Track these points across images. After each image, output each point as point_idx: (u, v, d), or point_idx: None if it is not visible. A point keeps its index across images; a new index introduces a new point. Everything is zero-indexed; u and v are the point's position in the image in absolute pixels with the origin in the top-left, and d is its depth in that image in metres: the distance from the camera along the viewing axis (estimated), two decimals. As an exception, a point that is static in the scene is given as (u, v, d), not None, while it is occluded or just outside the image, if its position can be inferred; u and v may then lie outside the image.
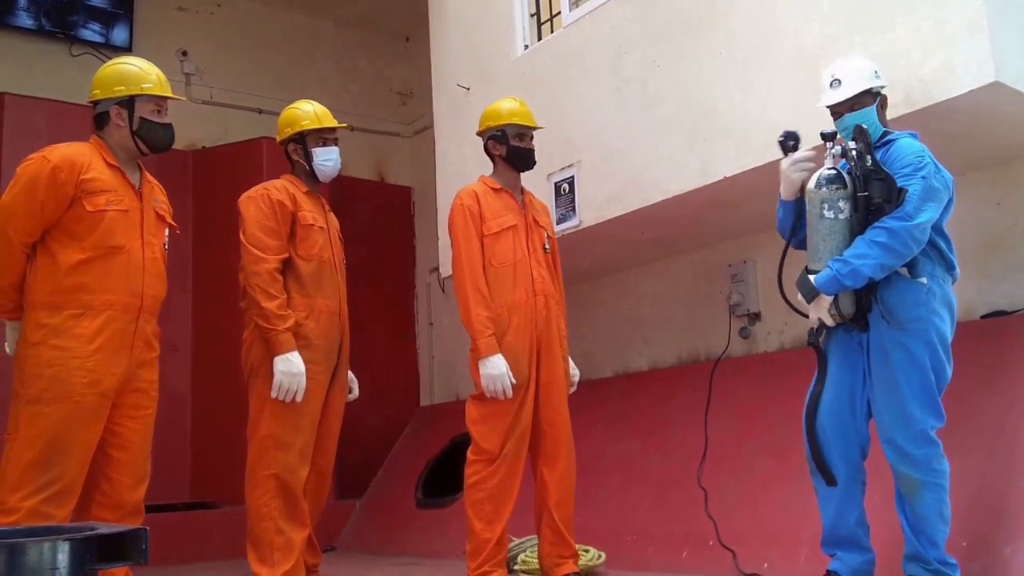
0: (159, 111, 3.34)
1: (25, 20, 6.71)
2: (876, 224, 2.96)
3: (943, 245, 3.10)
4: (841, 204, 2.99)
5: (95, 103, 3.33)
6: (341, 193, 7.38)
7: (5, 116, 5.98)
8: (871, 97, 3.18)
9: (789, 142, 3.24)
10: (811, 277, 3.04)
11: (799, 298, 3.14)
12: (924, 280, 3.01)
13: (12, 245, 3.12)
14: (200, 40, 7.52)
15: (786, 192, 3.25)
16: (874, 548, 3.15)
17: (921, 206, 2.95)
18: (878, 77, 3.20)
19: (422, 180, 7.89)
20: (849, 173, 3.01)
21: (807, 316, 3.19)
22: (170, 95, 3.38)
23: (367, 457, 7.17)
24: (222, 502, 6.22)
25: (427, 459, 6.57)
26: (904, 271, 3.01)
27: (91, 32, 6.95)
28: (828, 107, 3.23)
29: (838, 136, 3.11)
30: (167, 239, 3.43)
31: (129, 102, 3.29)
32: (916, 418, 2.96)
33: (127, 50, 7.01)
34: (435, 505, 6.08)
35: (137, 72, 3.33)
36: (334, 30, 8.26)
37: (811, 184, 3.06)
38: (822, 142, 3.13)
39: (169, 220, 3.46)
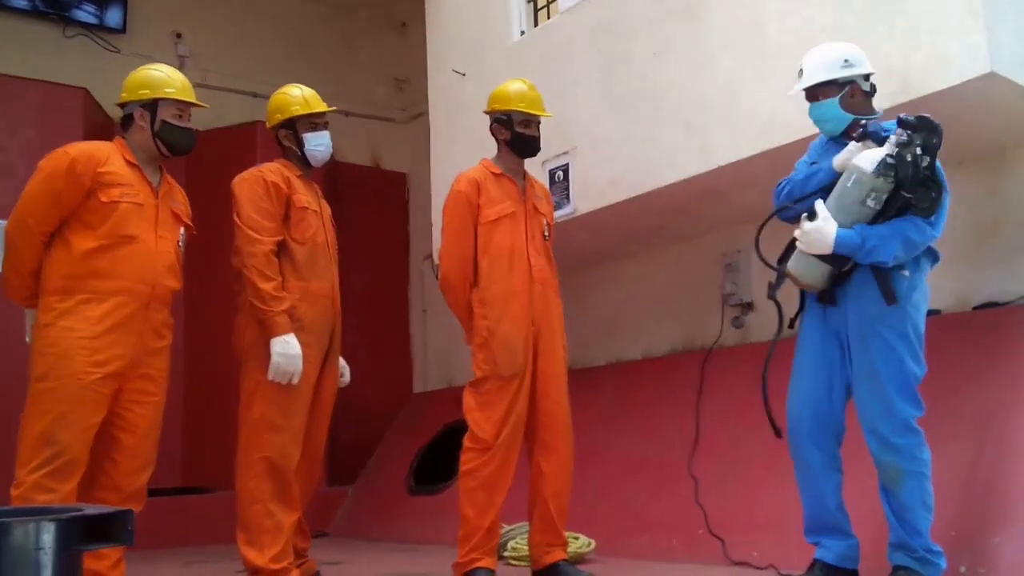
0: (181, 116, 3.48)
1: (19, 1, 6.69)
2: (910, 218, 2.92)
3: None
4: (884, 196, 2.93)
5: (122, 105, 3.48)
6: (336, 178, 7.37)
7: (-2, 97, 5.94)
8: (836, 88, 3.14)
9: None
10: (831, 229, 2.93)
11: (795, 265, 3.08)
12: (906, 272, 3.01)
13: (31, 233, 3.27)
14: (194, 23, 7.49)
15: (841, 163, 3.10)
16: (861, 535, 3.16)
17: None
18: (849, 65, 3.14)
19: (417, 166, 7.86)
20: (896, 166, 2.87)
21: (776, 270, 3.17)
22: (192, 100, 3.50)
23: (360, 443, 7.18)
24: (214, 487, 6.22)
25: (419, 446, 6.58)
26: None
27: (85, 14, 6.92)
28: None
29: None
30: (182, 238, 3.55)
31: (152, 105, 3.43)
32: (897, 408, 2.96)
33: (121, 32, 7.01)
34: (427, 492, 6.09)
35: (162, 78, 3.49)
36: (330, 14, 8.23)
37: (868, 166, 2.91)
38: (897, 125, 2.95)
39: (185, 220, 3.58)
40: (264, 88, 6.99)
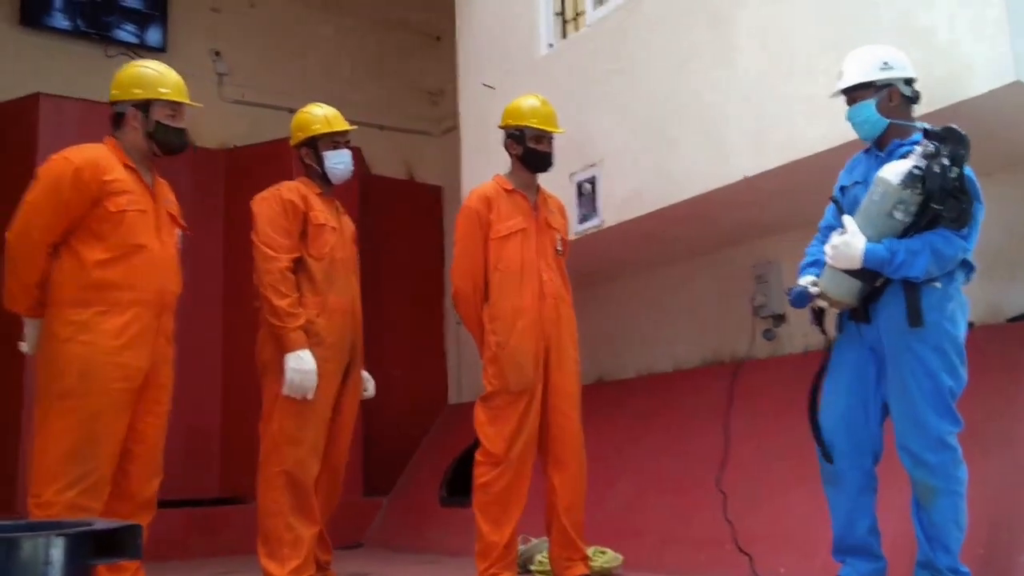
0: (174, 116, 3.42)
1: (61, 21, 6.86)
2: (941, 231, 2.87)
3: None
4: (912, 208, 2.87)
5: (113, 103, 3.42)
6: (371, 191, 7.44)
7: (40, 116, 6.09)
8: (873, 90, 3.08)
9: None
10: (859, 243, 2.89)
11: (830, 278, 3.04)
12: (938, 284, 2.94)
13: (36, 244, 3.21)
14: (233, 40, 7.62)
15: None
16: (887, 555, 3.10)
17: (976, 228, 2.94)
18: (888, 68, 3.08)
19: (451, 179, 7.87)
20: (924, 178, 2.82)
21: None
22: (186, 101, 3.44)
23: (395, 454, 7.22)
24: (251, 497, 6.29)
25: (452, 457, 6.59)
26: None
27: (125, 33, 7.08)
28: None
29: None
30: (179, 239, 3.51)
31: (145, 105, 3.37)
32: (931, 424, 2.89)
33: (161, 51, 7.14)
34: (459, 504, 6.09)
35: (155, 76, 3.41)
36: (366, 30, 8.32)
37: (895, 179, 2.85)
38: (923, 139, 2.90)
39: (180, 221, 3.54)
40: (301, 104, 6.99)
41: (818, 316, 3.18)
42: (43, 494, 3.05)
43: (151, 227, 3.34)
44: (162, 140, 3.40)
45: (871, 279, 2.98)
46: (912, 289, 2.93)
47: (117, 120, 3.41)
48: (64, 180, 3.20)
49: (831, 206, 3.26)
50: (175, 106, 3.42)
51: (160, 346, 3.34)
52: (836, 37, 3.75)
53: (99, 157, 3.28)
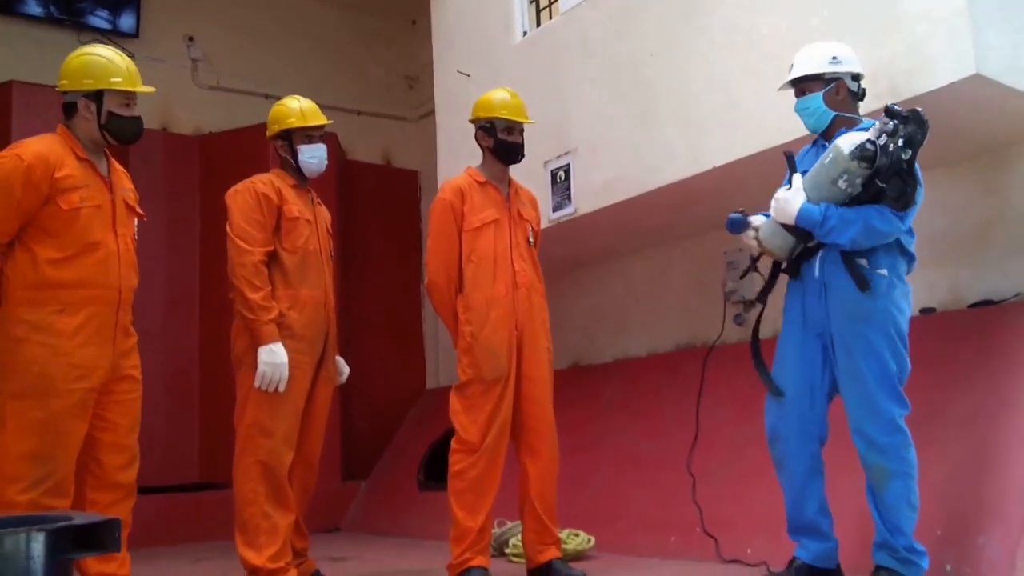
0: (127, 104, 3.31)
1: (33, 7, 6.82)
2: (879, 207, 2.94)
3: (906, 238, 3.11)
4: (858, 182, 2.95)
5: (63, 93, 3.29)
6: (348, 177, 7.45)
7: (13, 103, 6.08)
8: (821, 83, 3.17)
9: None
10: (797, 201, 3.03)
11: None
12: (884, 272, 3.03)
13: None
14: (207, 26, 7.59)
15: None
16: (846, 534, 3.21)
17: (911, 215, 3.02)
18: (837, 62, 3.16)
19: (428, 164, 7.89)
20: (875, 154, 2.88)
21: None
22: (140, 89, 3.33)
23: (374, 439, 7.29)
24: (230, 483, 6.31)
25: (430, 443, 6.66)
26: (864, 261, 3.03)
27: (99, 19, 7.04)
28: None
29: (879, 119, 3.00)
30: (136, 229, 3.44)
31: (97, 95, 3.25)
32: (883, 407, 2.99)
33: (134, 36, 7.11)
34: (436, 488, 6.16)
35: (106, 64, 3.28)
36: (341, 14, 8.30)
37: (846, 148, 2.93)
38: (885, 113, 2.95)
39: (138, 210, 3.47)
40: (277, 90, 7.08)
41: (753, 261, 3.34)
42: (5, 494, 3.00)
43: (107, 222, 3.26)
44: (116, 131, 3.30)
45: (805, 238, 3.12)
46: (852, 263, 3.02)
47: (68, 110, 3.28)
48: (15, 179, 3.10)
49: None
50: (128, 94, 3.30)
51: (120, 342, 3.28)
52: (806, 28, 3.81)
53: (49, 152, 3.17)
